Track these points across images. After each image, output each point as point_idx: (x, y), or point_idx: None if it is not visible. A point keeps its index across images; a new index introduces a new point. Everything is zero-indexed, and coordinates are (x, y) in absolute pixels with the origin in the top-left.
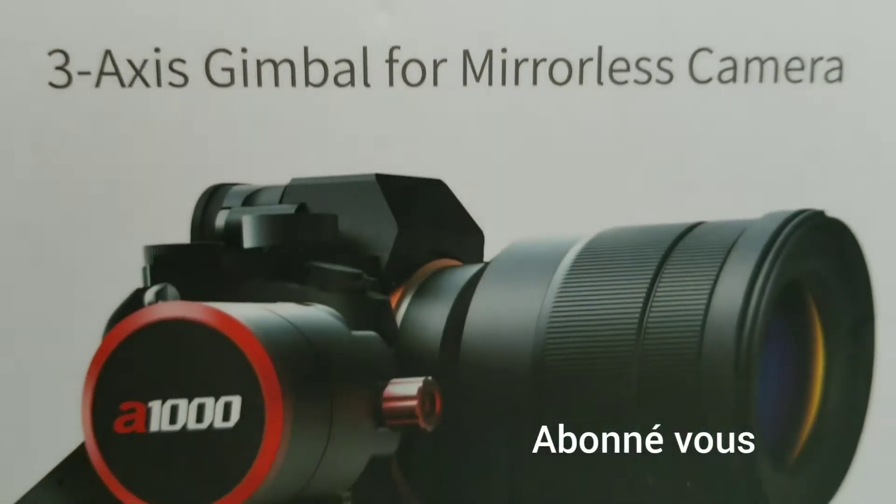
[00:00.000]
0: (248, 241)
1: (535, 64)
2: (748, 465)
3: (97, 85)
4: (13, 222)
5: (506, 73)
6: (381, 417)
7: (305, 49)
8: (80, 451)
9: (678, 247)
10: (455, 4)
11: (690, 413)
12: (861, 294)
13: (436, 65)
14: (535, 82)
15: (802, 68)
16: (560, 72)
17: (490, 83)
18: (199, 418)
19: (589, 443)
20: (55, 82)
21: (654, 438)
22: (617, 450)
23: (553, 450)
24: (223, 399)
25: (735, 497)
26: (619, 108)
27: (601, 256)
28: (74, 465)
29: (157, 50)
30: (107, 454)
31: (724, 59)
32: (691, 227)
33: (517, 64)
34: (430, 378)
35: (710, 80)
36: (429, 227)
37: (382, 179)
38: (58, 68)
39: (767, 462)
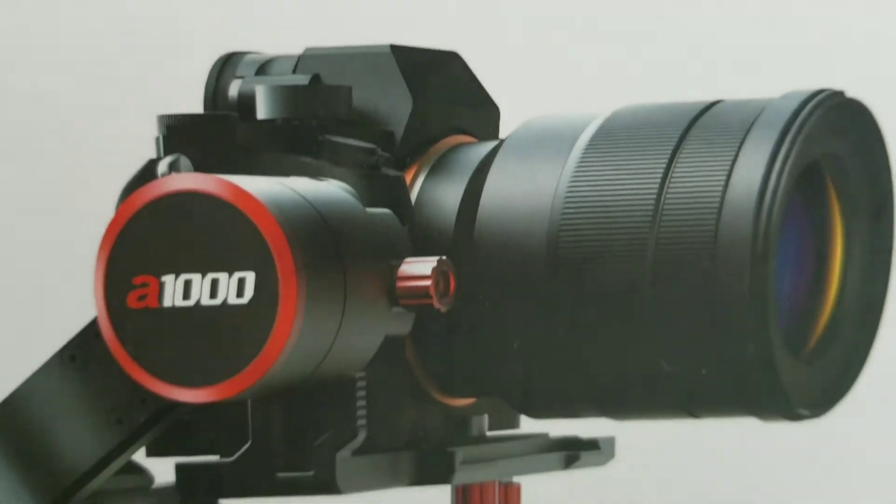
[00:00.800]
0: (261, 112)
1: None
2: (764, 350)
3: None
4: (26, 91)
5: None
6: (395, 297)
7: None
8: (93, 327)
9: (696, 125)
10: None
11: (706, 296)
12: (881, 177)
13: None
14: None
15: None
16: None
17: None
18: (213, 294)
19: (603, 325)
20: None
21: (669, 322)
22: (631, 333)
23: (567, 332)
24: (237, 274)
25: (751, 384)
26: None
27: (618, 135)
28: (86, 341)
29: None
30: (119, 330)
31: None
32: (709, 106)
33: None
34: (444, 258)
35: None
36: (444, 102)
37: (397, 51)
38: None
39: (784, 348)
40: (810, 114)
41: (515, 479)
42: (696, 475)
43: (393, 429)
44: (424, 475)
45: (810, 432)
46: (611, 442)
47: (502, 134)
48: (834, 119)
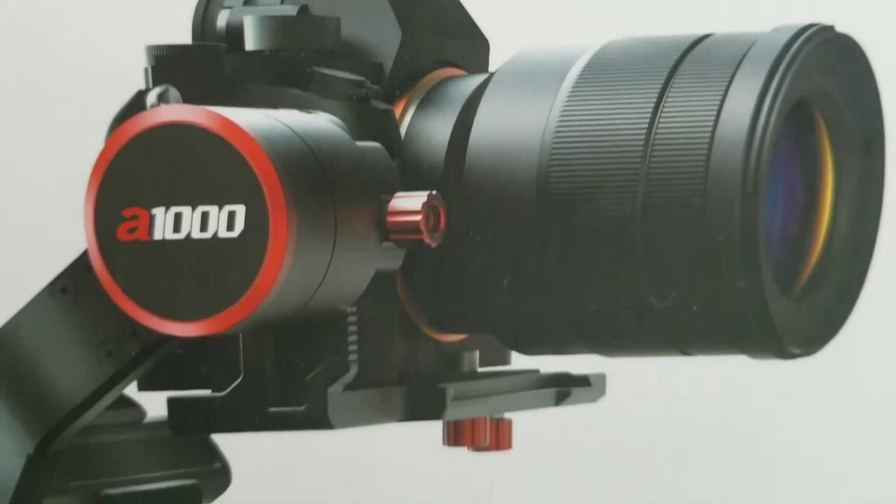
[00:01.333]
0: (249, 43)
1: None
2: (755, 287)
3: None
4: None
5: None
6: (385, 232)
7: None
8: (83, 260)
9: (686, 59)
10: None
11: (696, 233)
12: (871, 113)
13: None
14: None
15: None
16: None
17: None
18: (203, 227)
19: (594, 261)
20: None
21: (659, 258)
22: (621, 270)
23: (558, 268)
24: (227, 208)
25: (741, 322)
26: None
27: (609, 69)
28: (77, 274)
29: None
30: (110, 262)
31: None
32: (700, 39)
33: None
34: (434, 192)
35: None
36: (434, 34)
37: None
38: None
39: (774, 286)
40: (800, 49)
41: (507, 415)
42: (686, 414)
43: (384, 364)
44: (416, 411)
45: (801, 371)
46: (602, 379)
47: (492, 67)
48: (824, 54)
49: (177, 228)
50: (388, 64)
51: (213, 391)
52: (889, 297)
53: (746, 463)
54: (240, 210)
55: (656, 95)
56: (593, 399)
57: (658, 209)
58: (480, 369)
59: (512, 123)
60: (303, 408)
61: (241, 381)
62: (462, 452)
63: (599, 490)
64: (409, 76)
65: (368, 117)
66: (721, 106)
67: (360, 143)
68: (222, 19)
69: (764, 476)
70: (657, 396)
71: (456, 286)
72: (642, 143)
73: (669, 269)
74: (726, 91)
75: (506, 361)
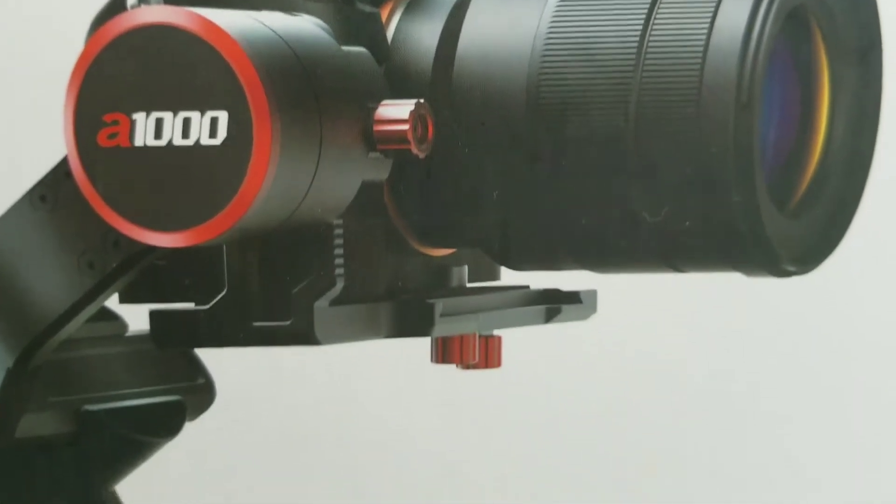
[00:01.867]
0: None
1: None
2: (749, 201)
3: None
4: None
5: None
6: (371, 141)
7: None
8: (63, 166)
9: None
10: None
11: (690, 145)
12: (867, 20)
13: None
14: None
15: None
16: None
17: None
18: (185, 134)
19: (584, 173)
20: None
21: (652, 171)
22: (613, 182)
23: (547, 180)
24: (209, 114)
25: (735, 237)
26: None
27: None
28: (56, 181)
29: None
30: (90, 169)
31: None
32: None
33: None
34: (421, 101)
35: None
36: None
37: None
38: None
39: (769, 200)
40: None
41: (496, 332)
42: (678, 332)
43: (371, 279)
44: (403, 327)
45: (796, 289)
46: (593, 295)
47: None
48: None
49: (158, 135)
50: None
51: (196, 304)
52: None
53: (738, 383)
54: (222, 116)
55: (649, 2)
56: (584, 317)
57: (650, 120)
58: (469, 285)
59: (501, 30)
60: (288, 322)
61: (225, 294)
62: (451, 370)
63: (590, 410)
64: None
65: (354, 20)
66: (715, 14)
67: (345, 48)
68: None
69: (757, 393)
70: (649, 315)
71: (444, 199)
72: (634, 51)
73: (662, 182)
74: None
75: (495, 277)
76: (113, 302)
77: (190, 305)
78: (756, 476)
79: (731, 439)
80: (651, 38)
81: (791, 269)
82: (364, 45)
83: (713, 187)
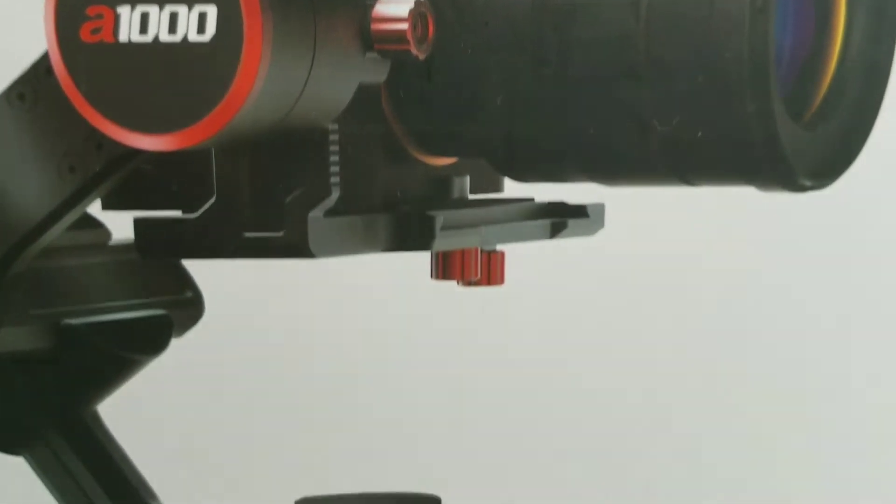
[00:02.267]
0: None
1: None
2: (764, 111)
3: None
4: None
5: None
6: (369, 40)
7: None
8: (43, 62)
9: None
10: None
11: (702, 51)
12: None
13: None
14: None
15: None
16: None
17: None
18: (172, 29)
19: (593, 79)
20: None
21: (663, 78)
22: (622, 89)
23: (554, 85)
24: (197, 8)
25: (750, 149)
26: None
27: None
28: (36, 78)
29: None
30: (71, 65)
31: None
32: None
33: None
34: None
35: None
36: None
37: None
38: None
39: (784, 111)
40: None
41: (499, 246)
42: (688, 246)
43: (368, 188)
44: (402, 240)
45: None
46: (600, 209)
47: None
48: None
49: (143, 30)
50: None
51: (183, 212)
52: None
53: (745, 302)
54: (211, 11)
55: None
56: (591, 232)
57: (662, 22)
58: (471, 197)
59: None
60: (281, 233)
61: (215, 202)
62: (451, 286)
63: (596, 329)
64: None
65: None
66: None
67: None
68: None
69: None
70: (657, 231)
71: (445, 104)
72: None
73: (673, 89)
74: None
75: (498, 189)
76: (95, 208)
77: (177, 213)
78: (762, 394)
79: (740, 363)
80: None
81: (807, 183)
82: None
83: (727, 94)
